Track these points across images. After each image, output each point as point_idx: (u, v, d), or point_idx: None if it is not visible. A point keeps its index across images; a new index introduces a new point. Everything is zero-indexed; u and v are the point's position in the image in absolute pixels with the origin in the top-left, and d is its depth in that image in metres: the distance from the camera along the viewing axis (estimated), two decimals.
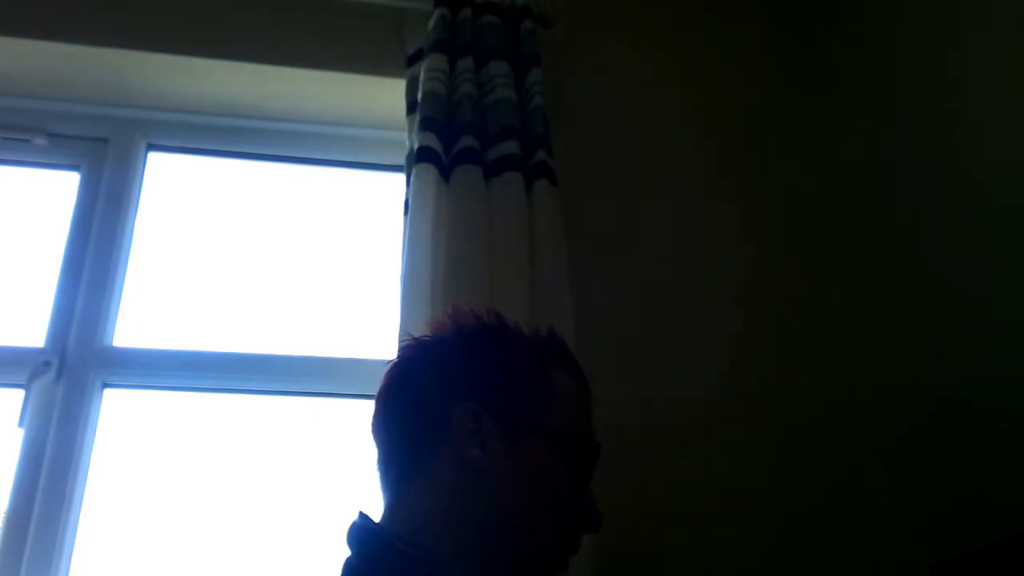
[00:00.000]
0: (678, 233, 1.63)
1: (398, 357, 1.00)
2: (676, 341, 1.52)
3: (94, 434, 1.44)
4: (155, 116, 1.71)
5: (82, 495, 1.40)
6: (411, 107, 1.54)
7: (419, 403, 0.94)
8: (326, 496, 1.44)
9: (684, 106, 1.76)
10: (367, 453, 0.97)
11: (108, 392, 1.49)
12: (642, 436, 1.39)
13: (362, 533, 0.89)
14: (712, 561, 1.36)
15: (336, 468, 1.47)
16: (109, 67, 1.63)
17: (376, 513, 0.92)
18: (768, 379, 1.52)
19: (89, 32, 1.59)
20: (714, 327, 1.55)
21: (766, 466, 1.45)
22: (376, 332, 1.58)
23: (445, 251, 1.37)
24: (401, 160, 1.54)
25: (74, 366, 1.45)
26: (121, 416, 1.49)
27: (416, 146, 1.45)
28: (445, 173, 1.44)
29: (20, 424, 1.40)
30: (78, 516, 1.38)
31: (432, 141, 1.44)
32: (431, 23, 1.58)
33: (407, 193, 1.45)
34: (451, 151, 1.46)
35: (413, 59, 1.60)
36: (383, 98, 1.67)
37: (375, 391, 0.98)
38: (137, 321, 1.56)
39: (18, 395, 1.43)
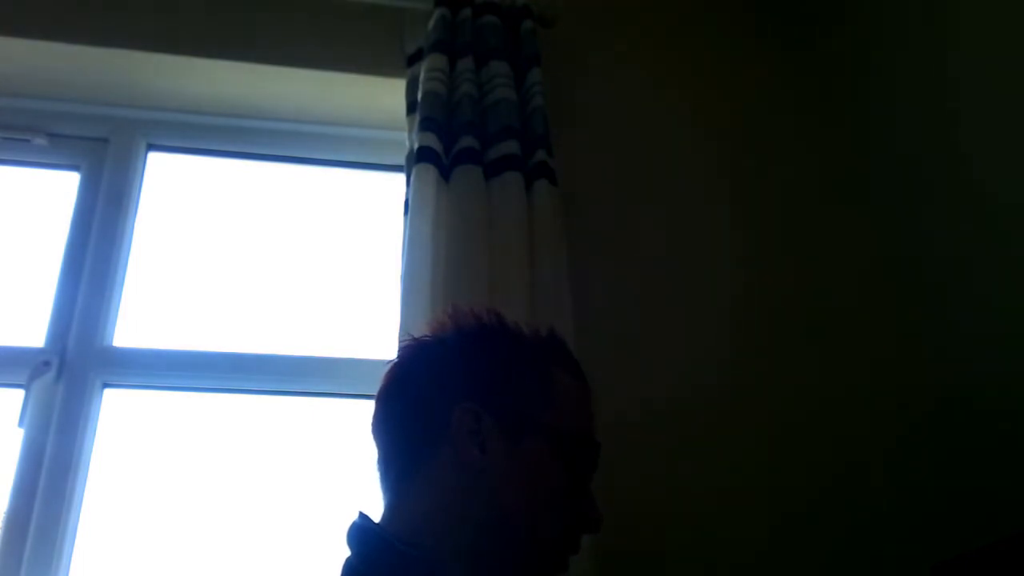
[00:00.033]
0: (678, 233, 1.63)
1: (398, 357, 1.00)
2: (676, 341, 1.52)
3: (94, 434, 1.44)
4: (155, 116, 1.71)
5: (82, 495, 1.39)
6: (411, 107, 1.54)
7: (419, 403, 0.94)
8: (326, 496, 1.44)
9: (684, 106, 1.76)
10: (367, 453, 0.97)
11: (108, 392, 1.49)
12: (642, 436, 1.39)
13: (362, 533, 0.89)
14: (712, 561, 1.36)
15: (336, 468, 1.47)
16: (109, 67, 1.63)
17: (376, 513, 0.92)
18: (768, 379, 1.52)
19: (89, 32, 1.59)
20: (714, 327, 1.55)
21: (766, 466, 1.45)
22: (376, 332, 1.57)
23: (445, 251, 1.37)
24: (401, 160, 1.54)
25: (74, 366, 1.45)
26: (121, 416, 1.49)
27: (416, 146, 1.45)
28: (445, 173, 1.44)
29: (20, 424, 1.40)
30: (78, 516, 1.38)
31: (432, 141, 1.44)
32: (431, 23, 1.58)
33: (407, 193, 1.45)
34: (451, 151, 1.46)
35: (413, 59, 1.60)
36: (383, 98, 1.67)
37: (375, 391, 0.98)
38: (137, 321, 1.56)
39: (18, 395, 1.43)
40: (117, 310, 1.55)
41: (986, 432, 1.32)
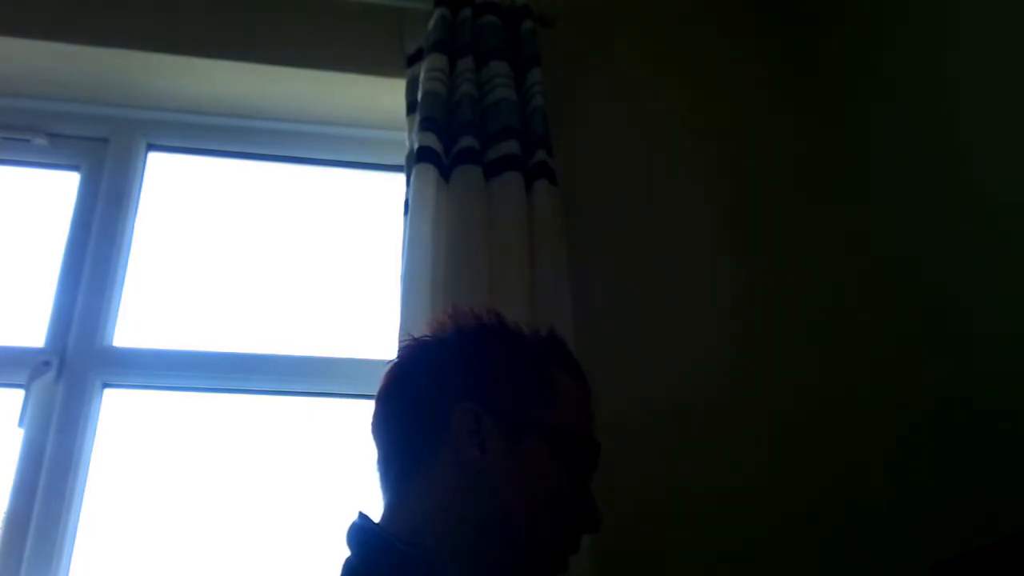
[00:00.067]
0: (678, 233, 1.63)
1: (398, 357, 1.00)
2: (676, 341, 1.52)
3: (94, 434, 1.44)
4: (155, 116, 1.71)
5: (82, 495, 1.39)
6: (411, 107, 1.54)
7: (419, 403, 0.94)
8: (326, 496, 1.44)
9: (684, 106, 1.76)
10: (367, 453, 0.97)
11: (108, 392, 1.49)
12: (642, 436, 1.39)
13: (362, 533, 0.89)
14: (712, 561, 1.36)
15: (336, 468, 1.47)
16: (109, 67, 1.63)
17: (376, 513, 0.92)
18: (768, 379, 1.52)
19: (89, 32, 1.59)
20: (714, 327, 1.55)
21: (766, 466, 1.45)
22: (376, 332, 1.57)
23: (445, 251, 1.37)
24: (401, 160, 1.54)
25: (74, 366, 1.45)
26: (121, 416, 1.49)
27: (416, 146, 1.45)
28: (445, 173, 1.44)
29: (20, 424, 1.40)
30: (78, 516, 1.38)
31: (432, 141, 1.44)
32: (431, 23, 1.58)
33: (407, 193, 1.45)
34: (451, 151, 1.46)
35: (413, 59, 1.60)
36: (383, 98, 1.67)
37: (375, 391, 0.98)
38: (137, 321, 1.56)
39: (18, 395, 1.43)
40: (117, 310, 1.55)
41: (986, 432, 1.32)
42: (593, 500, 0.95)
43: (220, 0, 1.67)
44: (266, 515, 1.44)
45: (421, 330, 1.03)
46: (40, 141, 1.64)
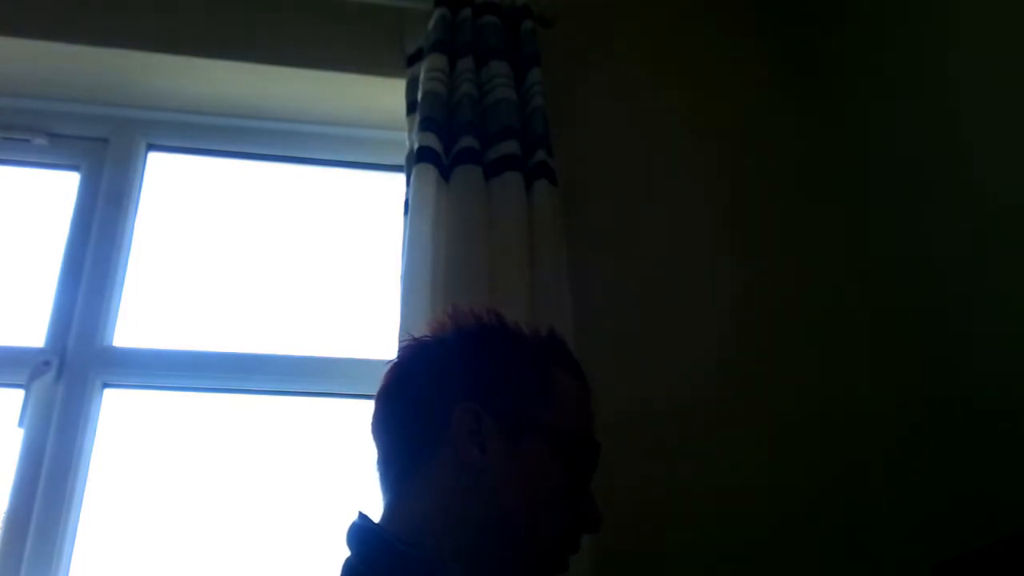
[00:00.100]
0: (678, 233, 1.63)
1: (398, 357, 1.00)
2: (676, 341, 1.52)
3: (94, 434, 1.44)
4: (155, 116, 1.71)
5: (82, 495, 1.39)
6: (411, 107, 1.54)
7: (419, 403, 0.94)
8: (326, 496, 1.44)
9: (684, 106, 1.76)
10: (367, 453, 0.97)
11: (108, 392, 1.49)
12: (642, 436, 1.39)
13: (362, 533, 0.89)
14: (712, 561, 1.36)
15: (336, 468, 1.47)
16: (109, 67, 1.63)
17: (376, 513, 0.92)
18: (768, 379, 1.52)
19: (89, 32, 1.59)
20: (714, 327, 1.54)
21: (766, 466, 1.45)
22: (376, 332, 1.57)
23: (445, 251, 1.37)
24: (401, 160, 1.54)
25: (74, 366, 1.45)
26: (121, 416, 1.49)
27: (416, 146, 1.45)
28: (445, 173, 1.44)
29: (20, 424, 1.40)
30: (78, 516, 1.38)
31: (432, 141, 1.44)
32: (431, 23, 1.58)
33: (407, 193, 1.45)
34: (451, 151, 1.46)
35: (413, 59, 1.60)
36: (383, 98, 1.67)
37: (375, 391, 0.98)
38: (137, 321, 1.56)
39: (18, 395, 1.43)
40: (117, 310, 1.55)
41: (986, 432, 1.32)
42: (593, 500, 0.95)
43: (220, 0, 1.67)
44: (266, 515, 1.43)
45: (421, 330, 1.03)
46: (40, 141, 1.64)
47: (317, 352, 1.57)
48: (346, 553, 0.88)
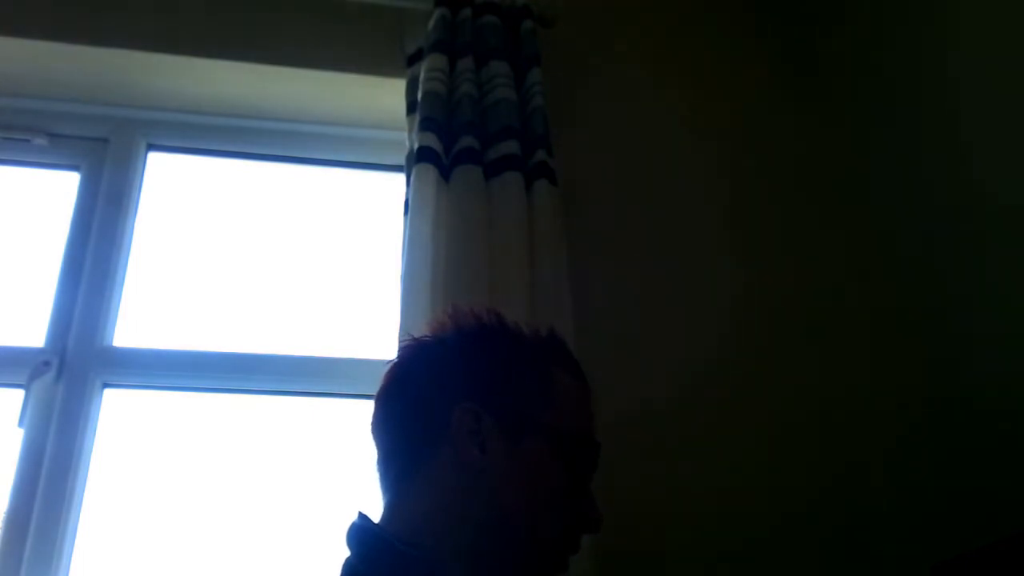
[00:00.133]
0: (678, 233, 1.63)
1: (398, 357, 1.00)
2: (676, 341, 1.52)
3: (94, 434, 1.44)
4: (155, 116, 1.71)
5: (82, 495, 1.39)
6: (411, 107, 1.54)
7: (419, 403, 0.94)
8: (326, 496, 1.44)
9: (684, 106, 1.76)
10: (367, 453, 0.97)
11: (108, 392, 1.49)
12: (642, 436, 1.39)
13: (361, 533, 0.89)
14: (712, 561, 1.36)
15: (336, 468, 1.47)
16: (109, 67, 1.63)
17: (376, 513, 0.92)
18: (768, 379, 1.52)
19: (89, 32, 1.59)
20: (714, 327, 1.54)
21: (766, 466, 1.45)
22: (376, 332, 1.57)
23: (445, 251, 1.37)
24: (401, 160, 1.54)
25: (74, 366, 1.45)
26: (121, 416, 1.49)
27: (416, 146, 1.45)
28: (445, 173, 1.44)
29: (20, 424, 1.40)
30: (78, 516, 1.38)
31: (432, 141, 1.44)
32: (431, 23, 1.58)
33: (407, 193, 1.45)
34: (451, 151, 1.46)
35: (413, 59, 1.60)
36: (383, 98, 1.67)
37: (375, 391, 0.98)
38: (137, 321, 1.56)
39: (18, 395, 1.43)
40: (117, 310, 1.55)
41: (986, 432, 1.32)
42: (593, 500, 0.95)
43: (220, 0, 1.67)
44: (266, 515, 1.43)
45: (421, 330, 1.03)
46: (40, 141, 1.64)
47: (317, 352, 1.57)
48: (346, 553, 0.88)
